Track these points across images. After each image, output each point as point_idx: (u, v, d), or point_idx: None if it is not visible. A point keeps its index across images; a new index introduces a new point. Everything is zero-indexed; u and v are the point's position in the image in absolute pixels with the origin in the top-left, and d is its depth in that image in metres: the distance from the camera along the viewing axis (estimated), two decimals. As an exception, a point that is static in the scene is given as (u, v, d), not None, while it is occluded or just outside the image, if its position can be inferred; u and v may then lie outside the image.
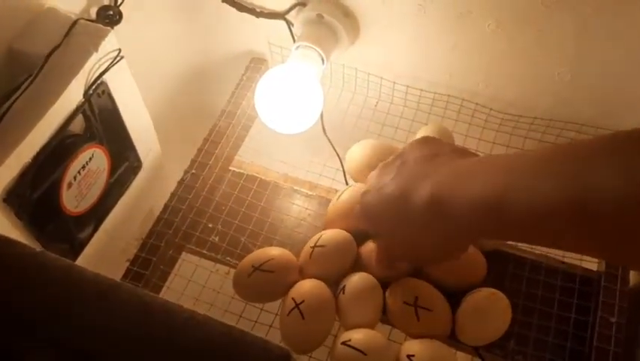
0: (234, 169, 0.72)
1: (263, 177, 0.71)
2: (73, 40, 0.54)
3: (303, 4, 0.70)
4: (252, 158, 0.74)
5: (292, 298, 0.56)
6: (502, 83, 0.71)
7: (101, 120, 0.59)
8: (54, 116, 0.52)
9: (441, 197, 0.43)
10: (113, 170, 0.63)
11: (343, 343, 0.54)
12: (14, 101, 0.50)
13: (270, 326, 0.59)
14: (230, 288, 0.60)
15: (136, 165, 0.69)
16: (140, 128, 0.66)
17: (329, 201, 0.66)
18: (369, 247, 0.60)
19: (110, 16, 0.61)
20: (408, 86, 0.74)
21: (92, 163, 0.59)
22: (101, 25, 0.57)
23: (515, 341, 0.59)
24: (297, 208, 0.69)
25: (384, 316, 0.58)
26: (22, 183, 0.51)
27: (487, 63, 0.69)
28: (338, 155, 0.71)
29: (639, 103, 0.66)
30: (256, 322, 0.60)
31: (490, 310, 0.57)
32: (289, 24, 0.72)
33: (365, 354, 0.52)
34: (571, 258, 0.64)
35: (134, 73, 0.62)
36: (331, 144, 0.72)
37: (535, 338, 0.60)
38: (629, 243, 0.33)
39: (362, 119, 0.76)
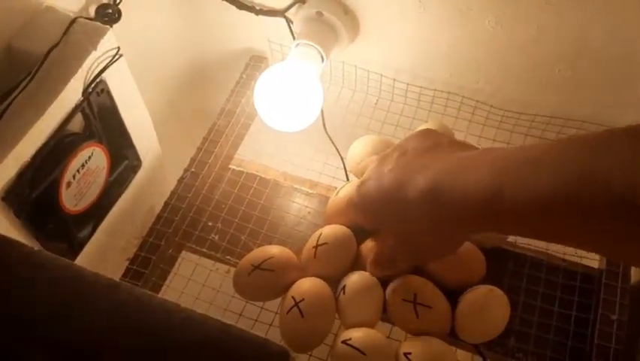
0: (234, 167, 0.72)
1: (263, 176, 0.71)
2: (71, 38, 0.54)
3: (303, 2, 0.70)
4: (252, 156, 0.74)
5: (292, 297, 0.56)
6: (502, 79, 0.71)
7: (100, 119, 0.58)
8: (53, 114, 0.52)
9: (438, 188, 0.43)
10: (112, 168, 0.63)
11: (343, 342, 0.54)
12: (13, 99, 0.50)
13: (270, 325, 0.59)
14: (230, 287, 0.60)
15: (135, 164, 0.68)
16: (139, 126, 0.66)
17: (329, 199, 0.66)
18: (370, 245, 0.60)
19: (108, 15, 0.61)
20: (408, 84, 0.74)
21: (91, 162, 0.59)
22: (99, 24, 0.57)
23: (516, 338, 0.59)
24: (297, 206, 0.69)
25: (385, 314, 0.58)
26: (20, 181, 0.51)
27: (487, 60, 0.69)
28: (339, 152, 0.71)
29: (640, 100, 0.66)
30: (256, 320, 0.60)
31: (488, 307, 0.57)
32: (289, 22, 0.72)
33: (364, 354, 0.52)
34: (572, 255, 0.64)
35: (134, 71, 0.62)
36: (332, 142, 0.72)
37: (536, 336, 0.60)
38: (627, 235, 0.33)
39: (362, 117, 0.76)
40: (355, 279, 0.58)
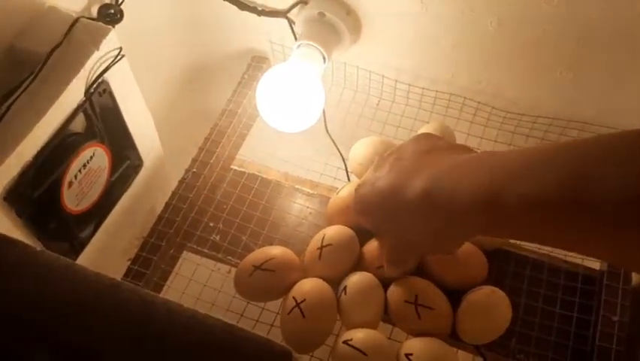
0: (236, 168, 0.72)
1: (264, 176, 0.71)
2: (74, 38, 0.54)
3: (305, 2, 0.70)
4: (254, 156, 0.74)
5: (293, 297, 0.56)
6: (504, 81, 0.71)
7: (102, 119, 0.58)
8: (55, 114, 0.52)
9: (435, 191, 0.43)
10: (114, 169, 0.63)
11: (344, 342, 0.53)
12: (15, 99, 0.50)
13: (272, 326, 0.59)
14: (232, 287, 0.60)
15: (137, 164, 0.68)
16: (141, 126, 0.66)
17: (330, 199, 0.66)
18: (373, 246, 0.60)
19: (111, 15, 0.61)
20: (410, 85, 0.74)
21: (92, 162, 0.59)
22: (102, 24, 0.57)
23: (517, 339, 0.59)
24: (299, 207, 0.69)
25: (386, 315, 0.58)
26: (22, 181, 0.51)
27: (489, 61, 0.69)
28: (340, 153, 0.71)
29: (642, 101, 0.66)
30: (257, 321, 0.60)
31: (490, 308, 0.57)
32: (291, 22, 0.72)
33: (365, 355, 0.52)
34: (573, 257, 0.64)
35: (135, 72, 0.62)
36: (333, 143, 0.72)
37: (537, 337, 0.60)
38: (625, 240, 0.33)
39: (364, 118, 0.76)
40: (356, 280, 0.58)
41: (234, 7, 0.73)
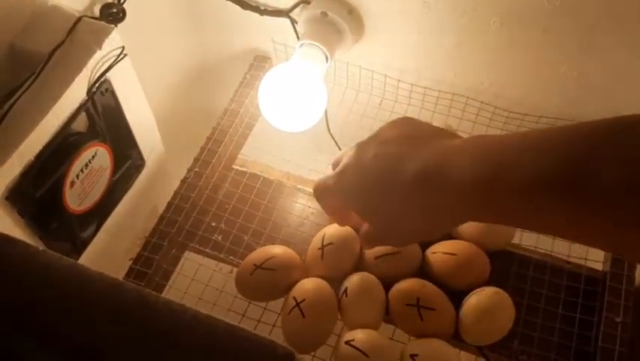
0: (237, 168, 0.72)
1: (266, 176, 0.71)
2: (76, 37, 0.54)
3: (307, 2, 0.70)
4: (255, 156, 0.74)
5: (293, 297, 0.56)
6: (507, 81, 0.71)
7: (104, 118, 0.58)
8: (57, 114, 0.52)
9: (429, 174, 0.42)
10: (116, 168, 0.63)
11: (347, 342, 0.53)
12: (17, 98, 0.50)
13: (273, 326, 0.59)
14: (234, 287, 0.60)
15: (139, 164, 0.68)
16: (143, 126, 0.66)
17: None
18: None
19: (113, 14, 0.61)
20: (412, 84, 0.74)
21: (94, 161, 0.59)
22: (104, 23, 0.57)
23: (520, 340, 0.59)
24: (301, 207, 0.68)
25: (388, 316, 0.58)
26: (24, 181, 0.51)
27: (491, 61, 0.69)
28: (342, 153, 0.70)
29: (645, 101, 0.66)
30: (259, 321, 0.60)
31: (493, 310, 0.57)
32: (293, 22, 0.72)
33: (367, 356, 0.52)
34: (576, 258, 0.64)
35: (138, 71, 0.62)
36: (335, 142, 0.72)
37: (540, 338, 0.59)
38: (619, 225, 0.32)
39: (366, 118, 0.76)
40: (357, 280, 0.58)
41: (237, 7, 0.73)
